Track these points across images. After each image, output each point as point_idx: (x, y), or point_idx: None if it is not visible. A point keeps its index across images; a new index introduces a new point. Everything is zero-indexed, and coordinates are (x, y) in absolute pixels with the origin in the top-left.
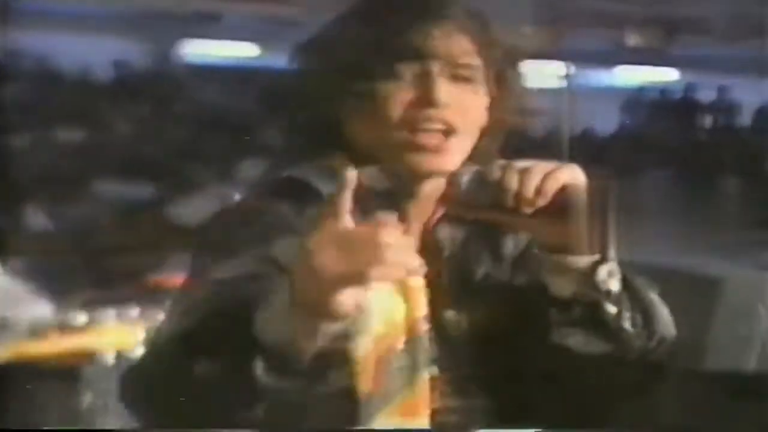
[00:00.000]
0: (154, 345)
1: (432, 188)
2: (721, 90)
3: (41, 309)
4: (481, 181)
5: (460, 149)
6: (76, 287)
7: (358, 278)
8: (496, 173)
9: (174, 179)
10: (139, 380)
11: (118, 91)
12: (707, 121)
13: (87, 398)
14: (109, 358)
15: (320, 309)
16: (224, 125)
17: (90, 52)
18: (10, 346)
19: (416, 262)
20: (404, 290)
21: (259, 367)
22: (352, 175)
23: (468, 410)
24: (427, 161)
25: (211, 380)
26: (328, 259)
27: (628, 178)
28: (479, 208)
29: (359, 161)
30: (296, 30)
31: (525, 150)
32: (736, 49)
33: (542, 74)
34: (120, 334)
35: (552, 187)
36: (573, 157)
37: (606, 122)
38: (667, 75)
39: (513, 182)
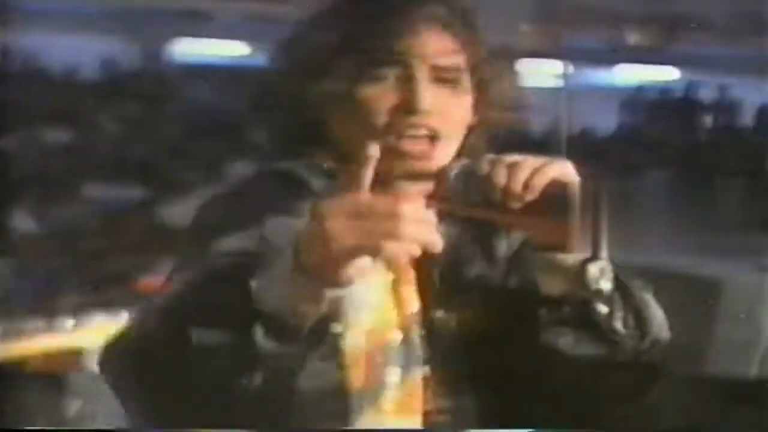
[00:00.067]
0: (147, 313)
1: (420, 186)
2: (722, 89)
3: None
4: (469, 175)
5: (446, 153)
6: (64, 290)
7: (370, 249)
8: (484, 167)
9: (163, 180)
10: (130, 349)
11: (107, 90)
12: (707, 120)
13: (75, 405)
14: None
15: (326, 275)
16: (214, 125)
17: (77, 51)
18: None
19: (433, 238)
20: (395, 286)
21: (258, 333)
22: (375, 147)
23: (460, 410)
24: (412, 167)
25: (209, 347)
26: (341, 227)
27: (626, 178)
28: (467, 203)
29: (344, 159)
30: (288, 29)
31: (522, 149)
32: (737, 47)
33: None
34: (108, 332)
35: (540, 181)
36: (571, 157)
37: (605, 121)
38: (667, 74)
39: (501, 176)
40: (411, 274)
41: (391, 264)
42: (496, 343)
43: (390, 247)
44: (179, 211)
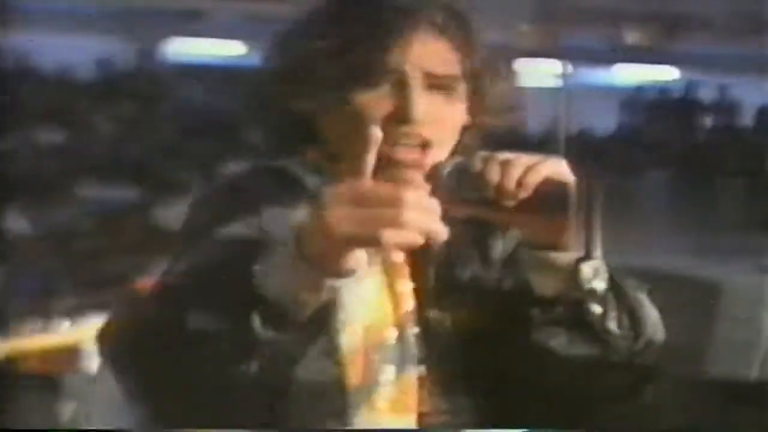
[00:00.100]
0: (147, 297)
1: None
2: (722, 89)
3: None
4: (462, 172)
5: (438, 159)
6: (59, 292)
7: (370, 237)
8: (477, 165)
9: (158, 181)
10: (129, 332)
11: (102, 90)
12: (707, 120)
13: (69, 407)
14: (93, 365)
15: (327, 264)
16: (210, 126)
17: (72, 51)
18: None
19: (437, 226)
20: (390, 284)
21: (256, 320)
22: (377, 132)
23: (454, 409)
24: (404, 174)
25: (207, 331)
26: (343, 215)
27: (625, 178)
28: (460, 200)
29: (336, 158)
30: (283, 28)
31: (520, 149)
32: (736, 47)
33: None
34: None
35: (534, 179)
36: (570, 157)
37: (603, 121)
38: (667, 73)
39: (494, 174)
40: (406, 272)
41: (386, 261)
42: (491, 343)
43: (390, 235)
44: (174, 212)
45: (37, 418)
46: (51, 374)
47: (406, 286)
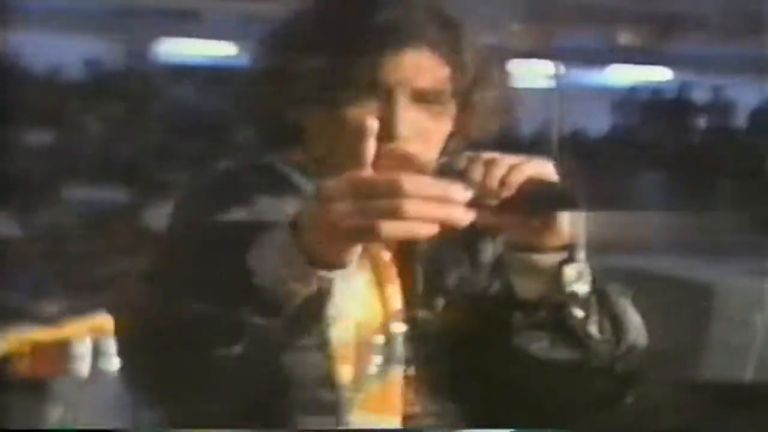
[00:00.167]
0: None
1: None
2: (715, 90)
3: None
4: (446, 172)
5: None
6: (48, 294)
7: (370, 232)
8: (461, 164)
9: (149, 182)
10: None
11: (92, 91)
12: (701, 121)
13: (57, 412)
14: (83, 368)
15: (321, 255)
16: (201, 127)
17: (62, 51)
18: None
19: (449, 212)
20: (379, 283)
21: (246, 304)
22: (373, 122)
23: (439, 410)
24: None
25: (196, 314)
26: (341, 208)
27: (619, 179)
28: None
29: (323, 160)
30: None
31: (513, 151)
32: (730, 47)
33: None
34: (95, 325)
35: (517, 179)
36: (563, 159)
37: (597, 122)
38: (660, 74)
39: (478, 173)
40: (394, 272)
41: (375, 260)
42: (476, 345)
43: (390, 227)
44: (165, 213)
45: (25, 420)
46: (39, 377)
47: (393, 286)
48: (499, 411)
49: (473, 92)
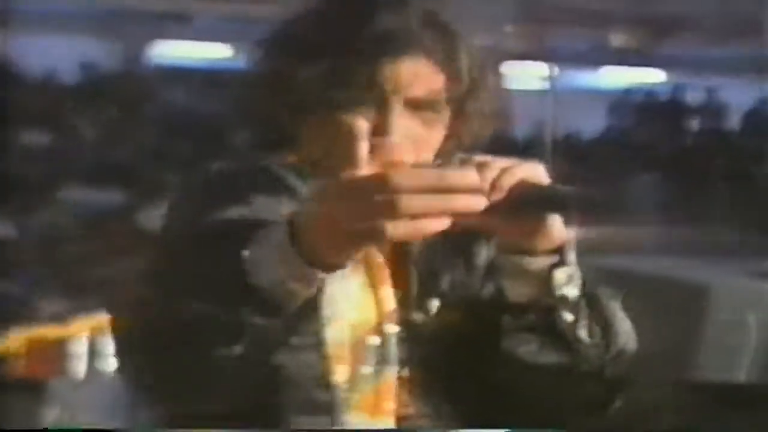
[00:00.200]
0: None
1: None
2: (709, 91)
3: None
4: None
5: None
6: (44, 295)
7: (368, 231)
8: (453, 166)
9: (144, 184)
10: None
11: (87, 93)
12: (694, 123)
13: (53, 413)
14: (80, 369)
15: (321, 258)
16: (196, 128)
17: (57, 53)
18: None
19: (458, 203)
20: (373, 285)
21: (245, 305)
22: (363, 123)
23: (433, 412)
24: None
25: (196, 314)
26: (339, 210)
27: (613, 181)
28: None
29: (318, 163)
30: (268, 29)
31: (507, 153)
32: (723, 49)
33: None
34: (92, 325)
35: (508, 181)
36: (556, 161)
37: (591, 124)
38: (654, 76)
39: None
40: (386, 274)
41: (368, 261)
42: (468, 347)
43: (392, 227)
44: (161, 214)
45: (22, 421)
46: (35, 378)
47: (387, 288)
48: (492, 413)
49: (468, 99)
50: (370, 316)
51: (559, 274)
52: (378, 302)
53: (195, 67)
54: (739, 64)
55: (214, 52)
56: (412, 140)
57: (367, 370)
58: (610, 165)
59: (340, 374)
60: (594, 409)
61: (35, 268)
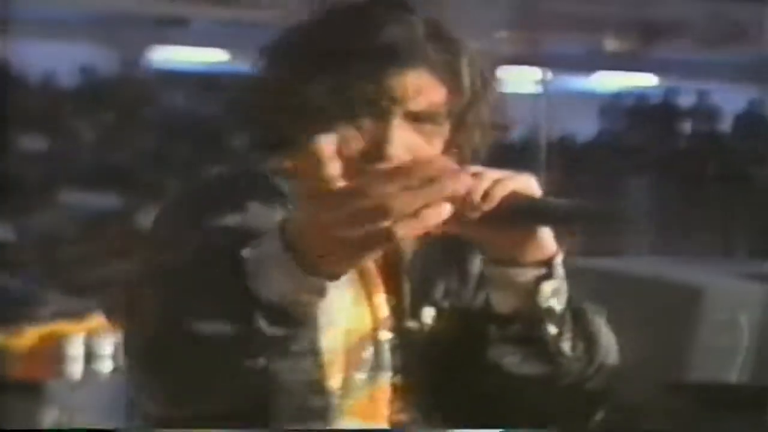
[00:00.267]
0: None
1: None
2: (700, 95)
3: None
4: None
5: None
6: (43, 297)
7: (373, 239)
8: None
9: (142, 187)
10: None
11: (85, 97)
12: (686, 126)
13: (52, 415)
14: (77, 370)
15: (325, 267)
16: (194, 132)
17: (56, 58)
18: None
19: (436, 191)
20: (366, 291)
21: (260, 319)
22: (326, 144)
23: (425, 419)
24: None
25: (213, 338)
26: (334, 220)
27: (606, 185)
28: None
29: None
30: (265, 34)
31: (501, 156)
32: (715, 53)
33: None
34: (89, 326)
35: (500, 192)
36: (550, 164)
37: (584, 128)
38: (646, 80)
39: (462, 185)
40: (379, 282)
41: (361, 269)
42: (458, 355)
43: (393, 228)
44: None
45: (21, 422)
46: (34, 380)
47: (380, 295)
48: (482, 419)
49: (469, 111)
50: (364, 323)
51: (546, 287)
52: (371, 309)
53: (193, 71)
54: (730, 68)
55: (212, 57)
56: (410, 151)
57: (360, 376)
58: (602, 168)
59: (334, 380)
60: (575, 421)
61: (35, 269)
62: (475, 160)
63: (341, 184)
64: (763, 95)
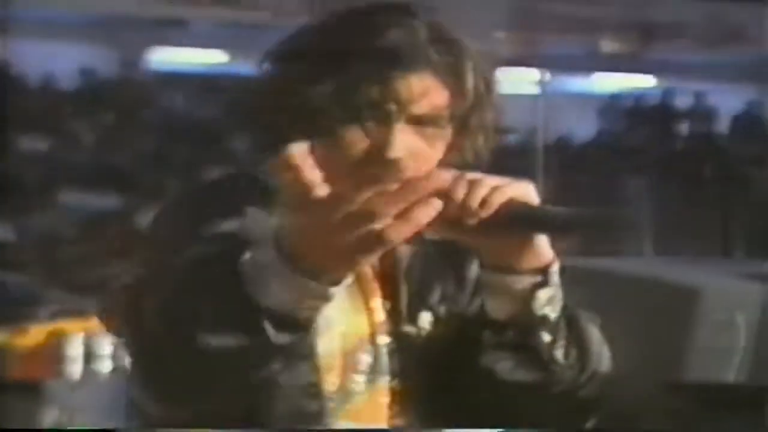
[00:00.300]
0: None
1: None
2: (698, 96)
3: None
4: None
5: None
6: (42, 298)
7: (370, 243)
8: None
9: (141, 188)
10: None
11: (85, 99)
12: (684, 127)
13: (51, 415)
14: (76, 371)
15: (327, 273)
16: (193, 133)
17: (55, 60)
18: None
19: (421, 189)
20: (364, 295)
21: (269, 327)
22: (295, 146)
23: (422, 423)
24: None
25: (217, 343)
26: (328, 226)
27: (604, 185)
28: None
29: None
30: (264, 35)
31: (499, 158)
32: (712, 54)
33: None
34: (90, 324)
35: (498, 199)
36: (548, 165)
37: (582, 129)
38: (644, 81)
39: (460, 191)
40: (376, 286)
41: (357, 273)
42: (453, 360)
43: (385, 232)
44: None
45: (21, 422)
46: (33, 380)
47: (377, 299)
48: (477, 423)
49: (472, 115)
50: (362, 327)
51: (542, 295)
52: (369, 314)
53: (192, 72)
54: (729, 69)
55: (211, 58)
56: (412, 154)
57: (358, 380)
58: (601, 168)
59: (330, 384)
60: (568, 428)
61: (35, 269)
62: (478, 163)
63: (323, 191)
64: (761, 96)
